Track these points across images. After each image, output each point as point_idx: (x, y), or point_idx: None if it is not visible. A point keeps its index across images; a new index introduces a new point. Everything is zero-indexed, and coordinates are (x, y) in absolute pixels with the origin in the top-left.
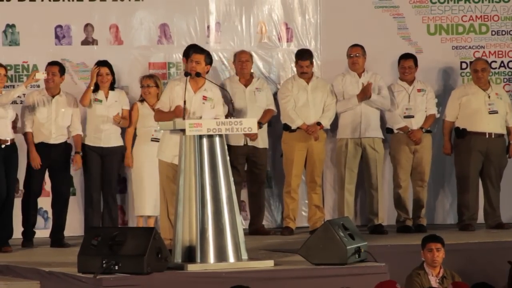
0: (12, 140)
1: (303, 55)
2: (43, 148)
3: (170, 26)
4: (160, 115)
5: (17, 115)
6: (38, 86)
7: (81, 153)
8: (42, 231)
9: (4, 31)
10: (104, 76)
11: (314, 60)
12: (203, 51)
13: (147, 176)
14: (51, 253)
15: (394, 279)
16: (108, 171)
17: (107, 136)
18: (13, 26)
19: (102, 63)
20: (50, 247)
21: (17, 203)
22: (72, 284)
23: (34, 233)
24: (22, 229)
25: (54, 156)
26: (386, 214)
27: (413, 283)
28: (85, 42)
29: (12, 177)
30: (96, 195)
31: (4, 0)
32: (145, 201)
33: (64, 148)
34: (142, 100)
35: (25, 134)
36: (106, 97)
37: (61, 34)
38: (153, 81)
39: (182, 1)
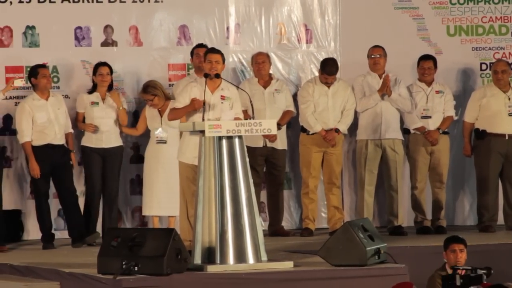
0: None
1: (331, 70)
2: (48, 149)
3: (190, 28)
4: (175, 112)
5: None
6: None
7: (74, 151)
8: (63, 232)
9: (24, 33)
10: (104, 75)
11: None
12: (218, 51)
13: (155, 176)
14: (71, 254)
15: (414, 280)
16: (111, 171)
17: (108, 137)
18: (33, 27)
19: (102, 64)
20: (71, 247)
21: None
22: (92, 285)
23: (53, 235)
24: (41, 234)
25: (57, 157)
26: (406, 216)
27: (435, 284)
28: (104, 44)
29: None
30: (97, 197)
31: (24, 1)
32: (152, 201)
33: (65, 148)
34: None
35: (24, 144)
36: (103, 99)
37: (80, 36)
38: (151, 94)
39: (201, 2)
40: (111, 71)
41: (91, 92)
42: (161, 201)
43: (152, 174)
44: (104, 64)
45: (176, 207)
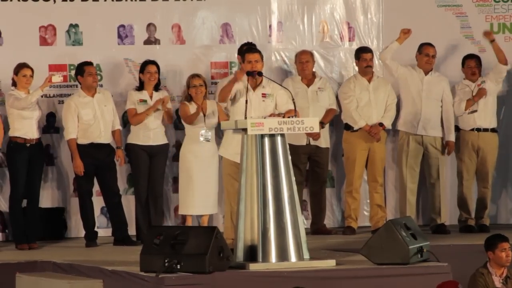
0: (38, 140)
1: (365, 49)
2: (92, 148)
3: (232, 26)
4: (222, 91)
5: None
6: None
7: (122, 148)
8: (106, 230)
9: (68, 31)
10: (152, 73)
11: (375, 59)
12: (257, 50)
13: (195, 174)
14: (114, 252)
15: (457, 279)
16: (157, 168)
17: (156, 135)
18: (76, 26)
19: (150, 62)
20: (113, 246)
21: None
22: (134, 282)
23: (96, 233)
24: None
25: (102, 157)
26: (449, 214)
27: (476, 283)
28: (147, 42)
29: (36, 176)
30: (144, 194)
31: (67, 0)
32: (191, 201)
33: (111, 148)
34: (189, 100)
35: (69, 141)
36: (151, 97)
37: (123, 34)
38: (203, 80)
39: (244, 0)
40: (159, 70)
41: (138, 89)
42: (201, 199)
43: (192, 172)
44: (152, 62)
45: (212, 206)
